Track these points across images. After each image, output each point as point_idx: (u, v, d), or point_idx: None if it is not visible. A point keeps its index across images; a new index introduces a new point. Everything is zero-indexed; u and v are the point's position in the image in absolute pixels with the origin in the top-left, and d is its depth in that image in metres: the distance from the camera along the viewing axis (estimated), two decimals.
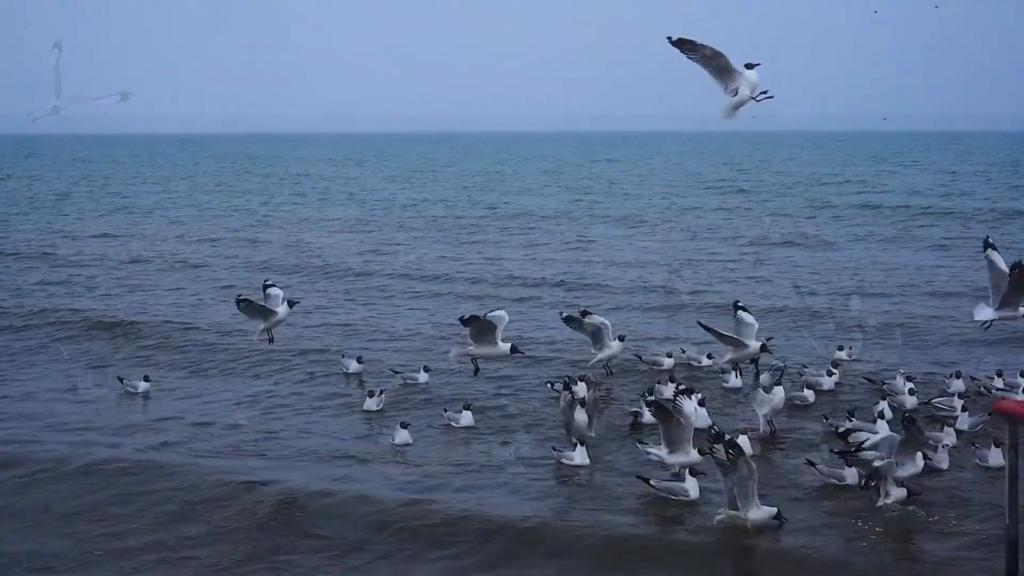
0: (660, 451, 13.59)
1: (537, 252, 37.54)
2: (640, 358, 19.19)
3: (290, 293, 16.43)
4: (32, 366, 21.06)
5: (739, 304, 16.24)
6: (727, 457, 11.62)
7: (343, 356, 19.91)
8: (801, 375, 17.64)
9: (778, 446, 14.98)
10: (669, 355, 19.09)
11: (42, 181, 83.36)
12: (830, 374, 17.47)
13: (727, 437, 11.98)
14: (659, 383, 17.23)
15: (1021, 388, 15.89)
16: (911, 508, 12.28)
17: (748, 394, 15.75)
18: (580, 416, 14.68)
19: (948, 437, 14.32)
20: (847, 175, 79.14)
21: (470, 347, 14.79)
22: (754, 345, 15.59)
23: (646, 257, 35.28)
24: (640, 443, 14.49)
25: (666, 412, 13.20)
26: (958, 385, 16.48)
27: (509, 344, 14.76)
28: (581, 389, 15.80)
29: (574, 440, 14.40)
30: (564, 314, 17.50)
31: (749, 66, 11.24)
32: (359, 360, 19.47)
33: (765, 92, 11.21)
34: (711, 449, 11.75)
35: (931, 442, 13.88)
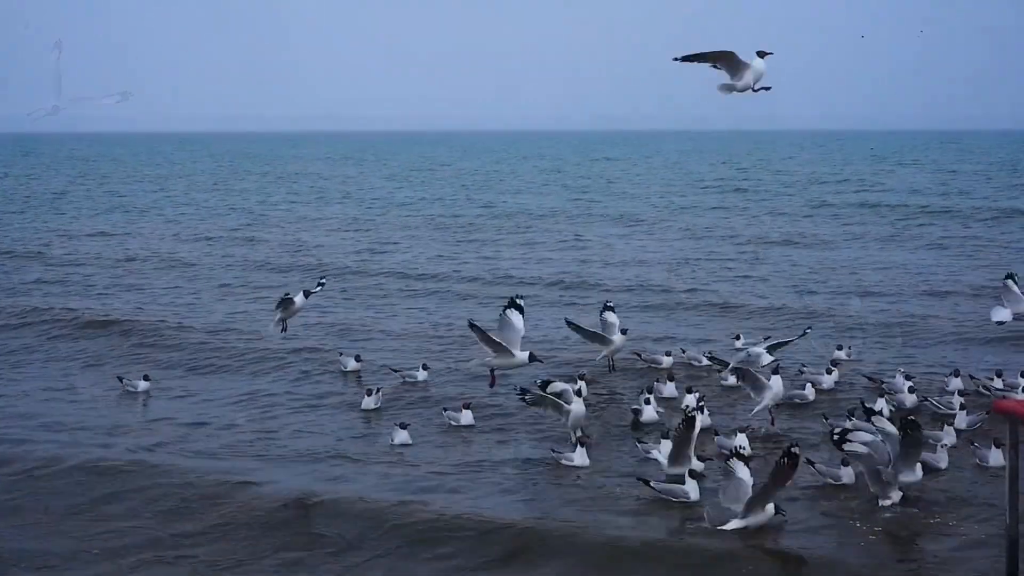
0: (660, 456, 13.59)
1: (534, 251, 37.47)
2: (639, 356, 19.12)
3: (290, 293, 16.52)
4: (28, 365, 20.95)
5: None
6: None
7: (341, 354, 19.82)
8: (801, 372, 17.58)
9: (780, 445, 14.86)
10: (668, 354, 19.02)
11: (39, 180, 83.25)
12: (829, 372, 17.39)
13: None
14: (657, 381, 17.20)
15: (1021, 388, 15.80)
16: (910, 509, 12.19)
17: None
18: (578, 407, 14.55)
19: (948, 436, 14.25)
20: (846, 173, 79.14)
21: (489, 358, 14.68)
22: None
23: (644, 256, 35.21)
24: (640, 442, 14.42)
25: (688, 429, 13.13)
26: (956, 383, 16.44)
27: (527, 353, 14.61)
28: (582, 388, 15.71)
29: (575, 440, 14.28)
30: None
31: (761, 54, 11.16)
32: (357, 358, 19.39)
33: (766, 87, 11.13)
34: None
35: (931, 441, 13.82)
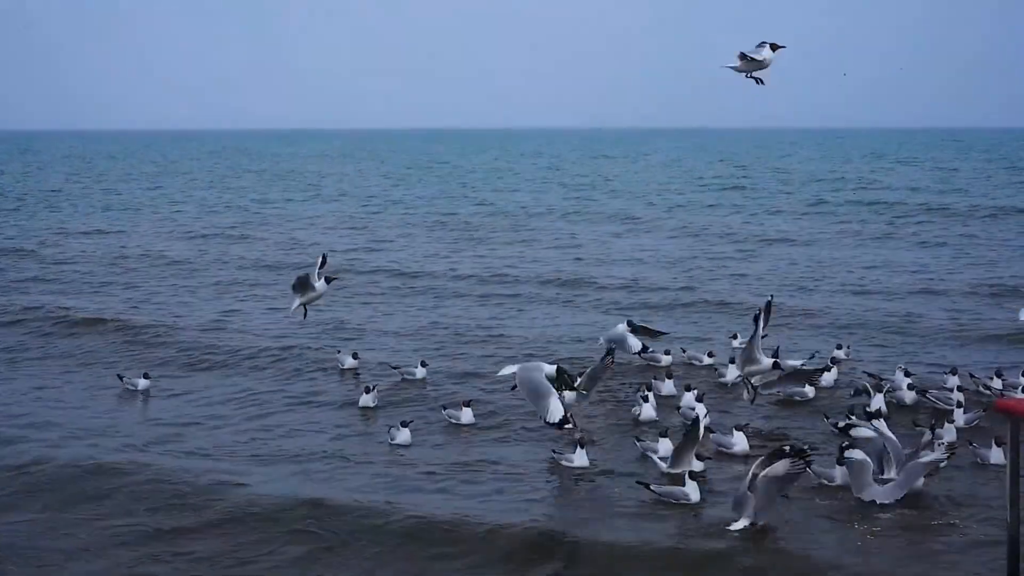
0: (659, 455, 13.56)
1: (532, 248, 37.40)
2: (639, 355, 19.02)
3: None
4: (21, 363, 20.83)
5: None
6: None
7: (338, 352, 19.72)
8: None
9: (780, 445, 14.75)
10: (667, 352, 18.92)
11: (35, 177, 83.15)
12: (828, 370, 17.31)
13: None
14: (655, 378, 17.10)
15: (1021, 388, 15.71)
16: (909, 509, 12.10)
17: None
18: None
19: (948, 434, 14.19)
20: (845, 171, 79.14)
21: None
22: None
23: (641, 254, 35.12)
24: (639, 440, 14.31)
25: (693, 432, 13.13)
26: (954, 381, 16.36)
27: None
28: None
29: (577, 437, 14.16)
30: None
31: (774, 47, 11.00)
32: (355, 356, 19.29)
33: (761, 80, 10.97)
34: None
35: (930, 439, 13.77)
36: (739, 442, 14.02)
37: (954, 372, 16.63)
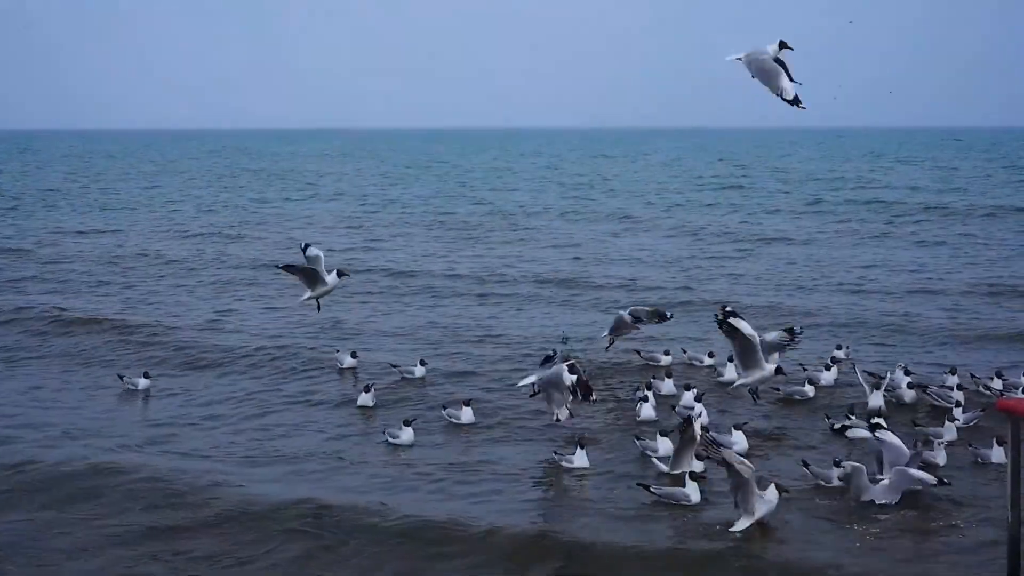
0: (659, 455, 13.54)
1: (530, 247, 37.36)
2: (639, 353, 19.00)
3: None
4: (18, 362, 20.76)
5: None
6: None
7: (337, 351, 19.66)
8: (805, 370, 17.47)
9: (779, 444, 14.75)
10: (667, 352, 18.89)
11: (33, 176, 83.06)
12: (828, 368, 17.28)
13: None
14: (654, 378, 17.06)
15: (1022, 388, 15.68)
16: (909, 509, 12.07)
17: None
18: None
19: (948, 433, 14.17)
20: (844, 171, 79.16)
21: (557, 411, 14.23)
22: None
23: (639, 253, 35.09)
24: (638, 439, 14.27)
25: (687, 432, 13.08)
26: (953, 381, 16.32)
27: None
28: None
29: (577, 439, 14.11)
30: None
31: (782, 44, 10.95)
32: (353, 355, 19.23)
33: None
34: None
35: (931, 438, 13.79)
36: (739, 441, 13.98)
37: (953, 372, 16.61)
